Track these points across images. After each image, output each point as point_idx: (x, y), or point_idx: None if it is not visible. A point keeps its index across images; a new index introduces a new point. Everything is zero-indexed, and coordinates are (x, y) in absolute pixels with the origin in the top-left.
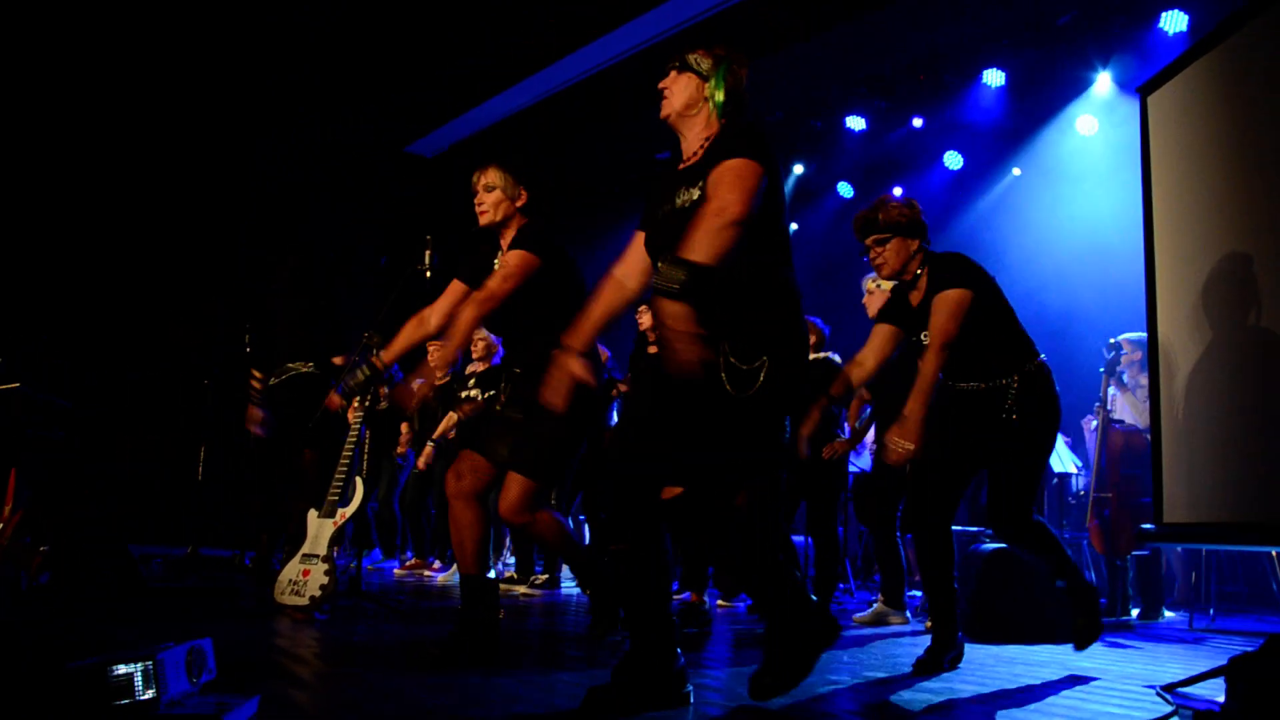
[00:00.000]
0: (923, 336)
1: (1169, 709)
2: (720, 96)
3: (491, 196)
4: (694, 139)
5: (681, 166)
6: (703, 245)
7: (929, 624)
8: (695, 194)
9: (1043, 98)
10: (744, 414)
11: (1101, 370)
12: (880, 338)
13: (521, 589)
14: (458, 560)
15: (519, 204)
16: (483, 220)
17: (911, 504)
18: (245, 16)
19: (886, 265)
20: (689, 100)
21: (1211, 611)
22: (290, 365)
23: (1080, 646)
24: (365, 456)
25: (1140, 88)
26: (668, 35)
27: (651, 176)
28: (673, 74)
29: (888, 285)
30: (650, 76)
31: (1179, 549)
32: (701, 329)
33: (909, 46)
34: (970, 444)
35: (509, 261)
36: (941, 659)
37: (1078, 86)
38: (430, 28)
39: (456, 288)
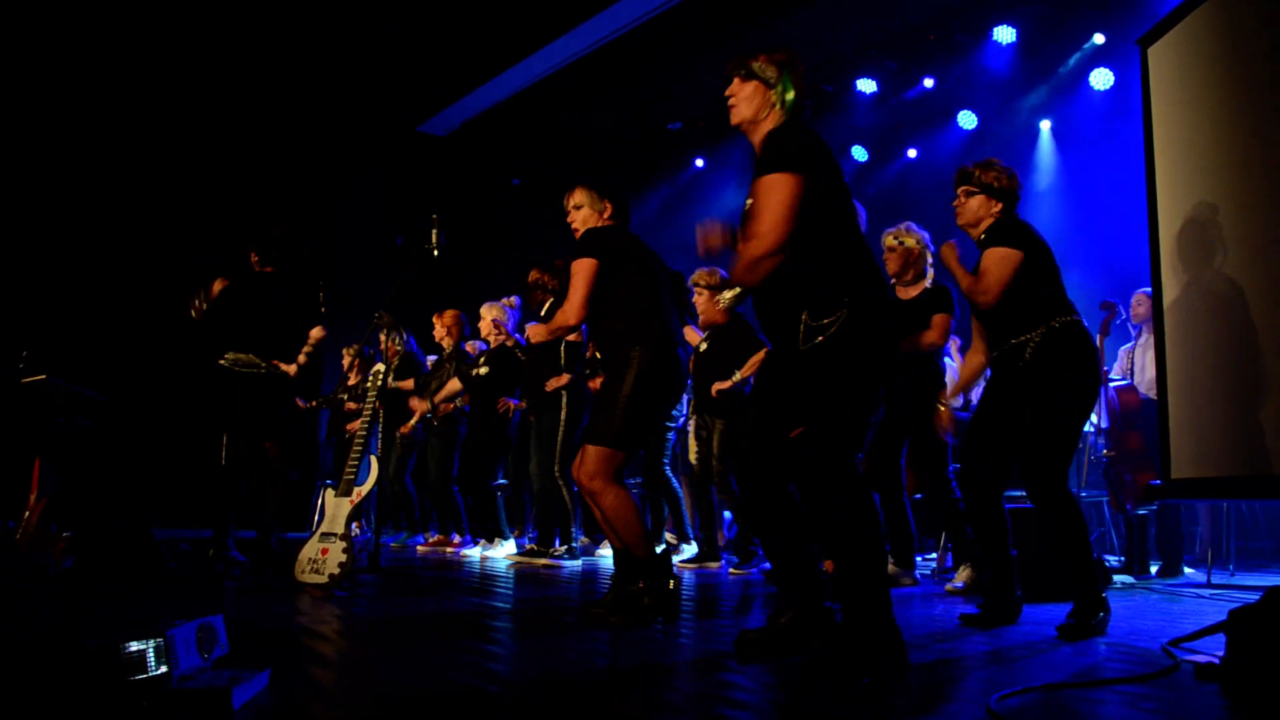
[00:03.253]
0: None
1: (1171, 664)
2: (790, 96)
3: (580, 214)
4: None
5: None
6: (743, 275)
7: (949, 587)
8: (749, 202)
9: (1055, 53)
10: (804, 365)
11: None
12: (976, 326)
13: (543, 560)
14: (608, 538)
15: (605, 215)
16: (579, 237)
17: (963, 473)
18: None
19: (962, 215)
20: (757, 107)
21: (1231, 567)
22: (242, 356)
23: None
24: (380, 436)
25: (1140, 40)
26: (676, 3)
27: None
28: (737, 81)
29: (910, 241)
30: (659, 45)
31: (1201, 506)
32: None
33: (918, 5)
34: (1006, 407)
35: (573, 270)
36: (995, 621)
37: (1090, 40)
38: (439, 5)
39: None
